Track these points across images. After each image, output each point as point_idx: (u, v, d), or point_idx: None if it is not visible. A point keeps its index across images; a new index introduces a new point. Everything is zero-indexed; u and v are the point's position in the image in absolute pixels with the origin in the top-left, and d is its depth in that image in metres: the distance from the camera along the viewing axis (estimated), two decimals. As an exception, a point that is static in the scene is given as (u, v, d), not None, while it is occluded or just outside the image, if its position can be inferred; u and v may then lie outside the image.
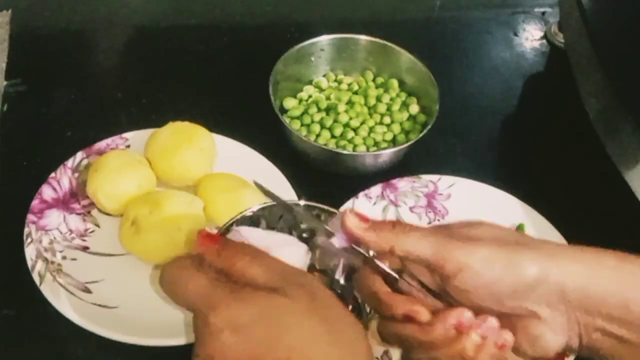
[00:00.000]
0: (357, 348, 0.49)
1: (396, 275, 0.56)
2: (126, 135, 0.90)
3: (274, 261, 0.52)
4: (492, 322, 0.52)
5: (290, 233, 0.71)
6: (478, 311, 0.53)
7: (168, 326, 0.75)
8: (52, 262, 0.78)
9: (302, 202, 0.73)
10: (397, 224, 0.54)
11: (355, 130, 0.93)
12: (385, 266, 0.56)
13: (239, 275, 0.49)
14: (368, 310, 0.62)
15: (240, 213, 0.72)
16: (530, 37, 1.12)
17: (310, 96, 0.97)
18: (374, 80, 0.99)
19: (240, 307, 0.47)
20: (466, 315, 0.52)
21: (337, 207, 0.81)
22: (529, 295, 0.51)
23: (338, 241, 0.56)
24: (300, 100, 0.97)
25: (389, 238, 0.53)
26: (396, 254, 0.54)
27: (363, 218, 0.55)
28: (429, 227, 0.54)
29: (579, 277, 0.51)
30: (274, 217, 0.73)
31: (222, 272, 0.50)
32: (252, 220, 0.67)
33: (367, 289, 0.56)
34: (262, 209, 0.72)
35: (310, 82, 0.99)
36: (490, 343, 0.52)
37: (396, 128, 0.94)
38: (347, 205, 0.86)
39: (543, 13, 1.16)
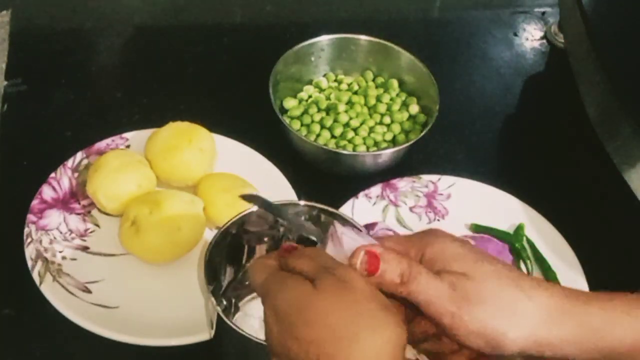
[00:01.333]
0: (380, 344, 0.49)
1: None
2: (126, 135, 0.89)
3: (319, 253, 0.53)
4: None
5: (290, 234, 0.71)
6: None
7: (168, 326, 0.75)
8: (52, 262, 0.78)
9: (302, 202, 0.73)
10: (405, 275, 0.51)
11: (355, 130, 0.93)
12: None
13: (291, 267, 0.53)
14: None
15: (240, 213, 0.72)
16: (530, 37, 1.12)
17: (310, 96, 0.97)
18: (374, 80, 0.99)
19: (278, 296, 0.50)
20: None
21: (337, 207, 0.81)
22: (506, 356, 0.52)
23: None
24: (300, 100, 0.97)
25: (394, 285, 0.52)
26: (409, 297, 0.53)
27: (371, 269, 0.51)
28: (435, 282, 0.51)
29: (559, 347, 0.51)
30: (272, 217, 0.73)
31: (283, 266, 0.54)
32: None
33: None
34: (261, 209, 0.72)
35: (310, 82, 0.99)
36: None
37: (396, 128, 0.94)
38: (347, 205, 0.86)
39: (543, 13, 1.15)
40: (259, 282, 0.53)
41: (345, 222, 0.72)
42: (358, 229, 0.71)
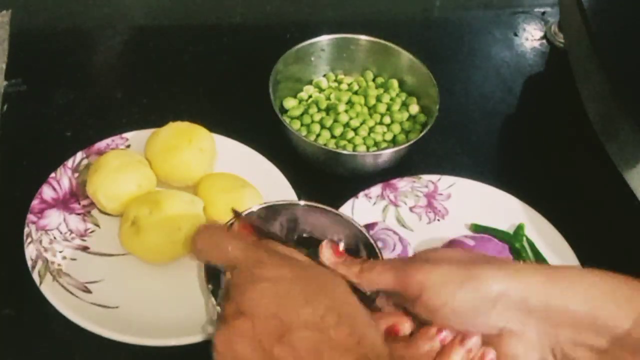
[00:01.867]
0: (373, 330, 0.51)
1: (372, 296, 0.58)
2: (126, 135, 0.89)
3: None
4: (475, 338, 0.54)
5: (290, 234, 0.71)
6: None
7: (168, 326, 0.75)
8: (52, 262, 0.78)
9: (302, 202, 0.73)
10: (365, 262, 0.57)
11: (355, 130, 0.93)
12: (362, 289, 0.58)
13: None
14: None
15: (240, 213, 0.72)
16: (530, 37, 1.12)
17: (310, 96, 0.97)
18: (374, 80, 0.99)
19: (286, 265, 0.52)
20: (446, 332, 0.54)
21: (337, 207, 0.81)
22: (490, 311, 0.52)
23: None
24: (300, 100, 0.97)
25: (355, 273, 0.56)
26: (364, 287, 0.56)
27: (338, 252, 0.58)
28: (393, 259, 0.58)
29: (541, 291, 0.52)
30: (272, 217, 0.73)
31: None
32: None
33: None
34: (262, 209, 0.72)
35: (310, 82, 0.99)
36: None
37: (396, 128, 0.94)
38: (347, 205, 0.86)
39: (543, 13, 1.16)
40: (235, 252, 0.54)
41: (345, 222, 0.72)
42: (358, 228, 0.71)
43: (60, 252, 0.79)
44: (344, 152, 0.90)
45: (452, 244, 0.83)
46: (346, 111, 0.94)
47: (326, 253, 0.57)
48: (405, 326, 0.55)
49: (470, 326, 0.53)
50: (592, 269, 0.54)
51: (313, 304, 0.49)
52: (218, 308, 0.66)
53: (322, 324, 0.48)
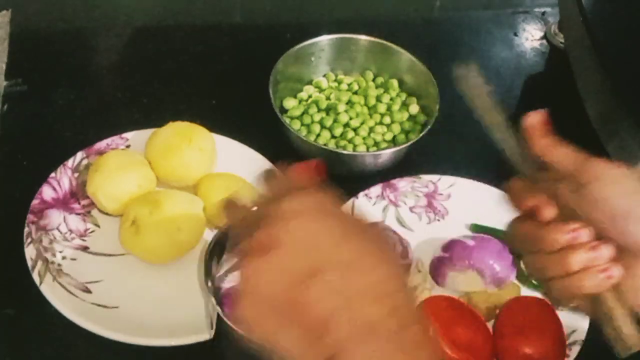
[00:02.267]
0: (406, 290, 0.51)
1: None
2: (126, 135, 0.89)
3: None
4: (605, 250, 0.54)
5: None
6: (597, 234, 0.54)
7: (168, 326, 0.75)
8: (52, 262, 0.78)
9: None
10: (552, 138, 0.59)
11: (355, 130, 0.93)
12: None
13: None
14: None
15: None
16: (530, 37, 1.12)
17: (310, 96, 0.97)
18: (374, 80, 0.99)
19: (322, 202, 0.51)
20: (583, 231, 0.54)
21: (337, 207, 0.81)
22: None
23: None
24: (300, 100, 0.97)
25: (544, 145, 0.60)
26: (545, 158, 0.59)
27: (540, 121, 0.61)
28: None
29: None
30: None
31: None
32: None
33: (506, 186, 0.61)
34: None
35: (310, 82, 0.99)
36: (596, 268, 0.53)
37: (396, 128, 0.94)
38: (347, 205, 0.86)
39: (543, 13, 1.16)
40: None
41: None
42: None
43: (60, 252, 0.79)
44: (344, 152, 0.90)
45: (452, 244, 0.83)
46: (346, 111, 0.94)
47: (531, 120, 0.61)
48: (549, 211, 0.56)
49: (616, 231, 0.53)
50: None
51: (348, 244, 0.47)
52: (218, 308, 0.66)
53: (354, 266, 0.47)
